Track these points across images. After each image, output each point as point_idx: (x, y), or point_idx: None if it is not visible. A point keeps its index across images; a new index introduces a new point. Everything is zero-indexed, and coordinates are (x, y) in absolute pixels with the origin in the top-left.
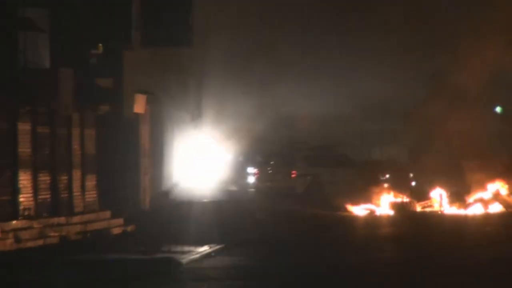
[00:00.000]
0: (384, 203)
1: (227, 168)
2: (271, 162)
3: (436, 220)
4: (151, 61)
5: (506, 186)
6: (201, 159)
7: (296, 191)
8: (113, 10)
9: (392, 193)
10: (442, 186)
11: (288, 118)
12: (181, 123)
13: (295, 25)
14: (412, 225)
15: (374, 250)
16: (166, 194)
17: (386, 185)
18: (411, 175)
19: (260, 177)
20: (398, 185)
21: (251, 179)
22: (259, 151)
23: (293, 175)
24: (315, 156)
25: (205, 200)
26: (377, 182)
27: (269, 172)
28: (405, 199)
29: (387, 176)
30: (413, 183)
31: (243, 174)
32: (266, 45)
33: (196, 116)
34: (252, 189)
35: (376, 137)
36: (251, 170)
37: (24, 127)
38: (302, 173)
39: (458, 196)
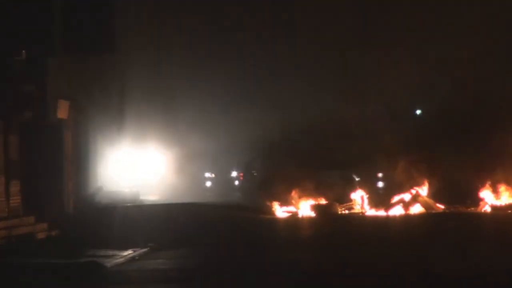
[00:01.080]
0: (304, 205)
1: (155, 173)
2: (255, 166)
3: (356, 222)
4: (74, 68)
5: (426, 187)
6: (125, 164)
7: None
8: (34, 17)
9: (312, 196)
10: (363, 188)
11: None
12: (105, 128)
13: (221, 30)
14: (332, 227)
15: (291, 251)
16: (90, 198)
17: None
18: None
19: (244, 180)
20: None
21: (209, 184)
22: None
23: None
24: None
25: (128, 204)
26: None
27: (254, 175)
28: (324, 201)
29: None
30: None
31: (200, 179)
32: (189, 50)
33: (119, 122)
34: (210, 193)
35: None
36: (208, 175)
37: None
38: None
39: (379, 198)
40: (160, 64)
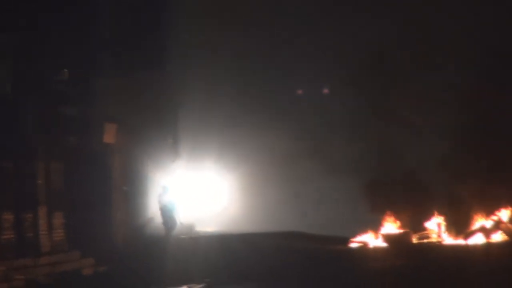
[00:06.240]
0: (375, 235)
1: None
2: None
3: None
4: (123, 87)
5: (509, 213)
6: (179, 192)
7: None
8: (81, 33)
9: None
10: (440, 215)
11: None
12: (156, 153)
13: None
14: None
15: None
16: (141, 230)
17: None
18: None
19: None
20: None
21: None
22: None
23: None
24: None
25: (183, 236)
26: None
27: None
28: (401, 230)
29: None
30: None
31: None
32: (248, 70)
33: (172, 146)
34: None
35: None
36: None
37: None
38: None
39: (457, 226)
40: (218, 81)
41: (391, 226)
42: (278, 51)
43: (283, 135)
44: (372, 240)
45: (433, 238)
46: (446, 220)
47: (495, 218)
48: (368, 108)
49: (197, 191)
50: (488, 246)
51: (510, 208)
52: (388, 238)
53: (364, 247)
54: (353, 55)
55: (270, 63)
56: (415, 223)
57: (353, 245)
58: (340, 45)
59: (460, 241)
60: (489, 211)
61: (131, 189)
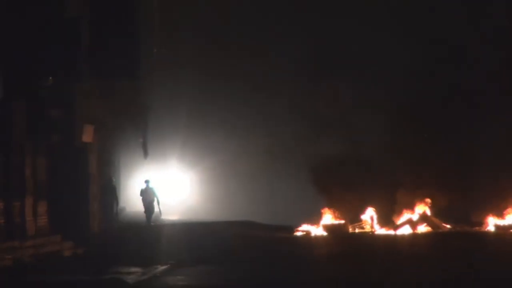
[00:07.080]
0: (319, 225)
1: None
2: None
3: (367, 242)
4: (100, 93)
5: (430, 208)
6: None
7: None
8: (63, 43)
9: (327, 214)
10: (373, 207)
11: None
12: (129, 151)
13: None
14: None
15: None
16: (114, 218)
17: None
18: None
19: None
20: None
21: None
22: None
23: None
24: None
25: (152, 224)
26: None
27: None
28: (339, 221)
29: None
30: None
31: None
32: (206, 77)
33: (143, 144)
34: None
35: None
36: None
37: None
38: None
39: (387, 218)
40: (182, 88)
41: (330, 217)
42: (236, 57)
43: (239, 133)
44: (314, 229)
45: (367, 229)
46: (378, 213)
47: (420, 212)
48: (319, 105)
49: (163, 184)
50: (414, 237)
51: (431, 203)
52: (327, 227)
53: (306, 236)
54: (301, 55)
55: (227, 70)
56: (352, 215)
57: (298, 233)
58: (289, 45)
59: (390, 232)
60: (416, 206)
61: (106, 183)
